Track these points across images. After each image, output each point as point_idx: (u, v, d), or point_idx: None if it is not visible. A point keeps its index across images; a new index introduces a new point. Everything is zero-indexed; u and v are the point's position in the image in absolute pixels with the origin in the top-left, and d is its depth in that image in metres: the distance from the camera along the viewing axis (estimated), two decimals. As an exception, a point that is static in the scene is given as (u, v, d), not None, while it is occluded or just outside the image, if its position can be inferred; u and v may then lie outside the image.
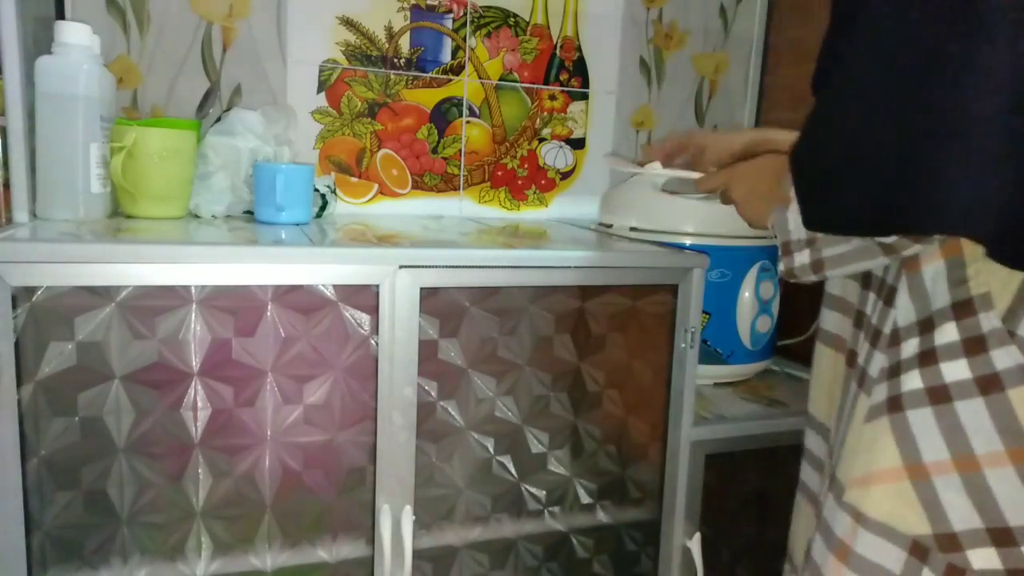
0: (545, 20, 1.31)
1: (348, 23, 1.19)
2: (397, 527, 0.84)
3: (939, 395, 0.56)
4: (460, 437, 0.93)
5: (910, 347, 0.58)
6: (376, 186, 1.25)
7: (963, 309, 0.56)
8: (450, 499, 0.95)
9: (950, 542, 0.55)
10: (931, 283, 0.58)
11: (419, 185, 1.27)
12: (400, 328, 0.81)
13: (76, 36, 0.86)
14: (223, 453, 0.82)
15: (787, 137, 0.98)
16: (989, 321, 0.54)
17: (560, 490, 1.01)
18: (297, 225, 0.96)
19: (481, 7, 1.26)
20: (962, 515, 0.55)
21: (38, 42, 0.88)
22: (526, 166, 1.35)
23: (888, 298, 0.62)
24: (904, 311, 0.59)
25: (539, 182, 1.36)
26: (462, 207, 1.31)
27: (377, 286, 0.80)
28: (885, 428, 0.58)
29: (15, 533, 0.72)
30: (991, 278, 0.55)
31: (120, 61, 1.08)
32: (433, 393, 0.90)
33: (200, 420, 0.80)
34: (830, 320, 0.75)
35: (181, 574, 0.83)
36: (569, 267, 0.87)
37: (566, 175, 1.38)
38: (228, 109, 1.14)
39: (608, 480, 1.03)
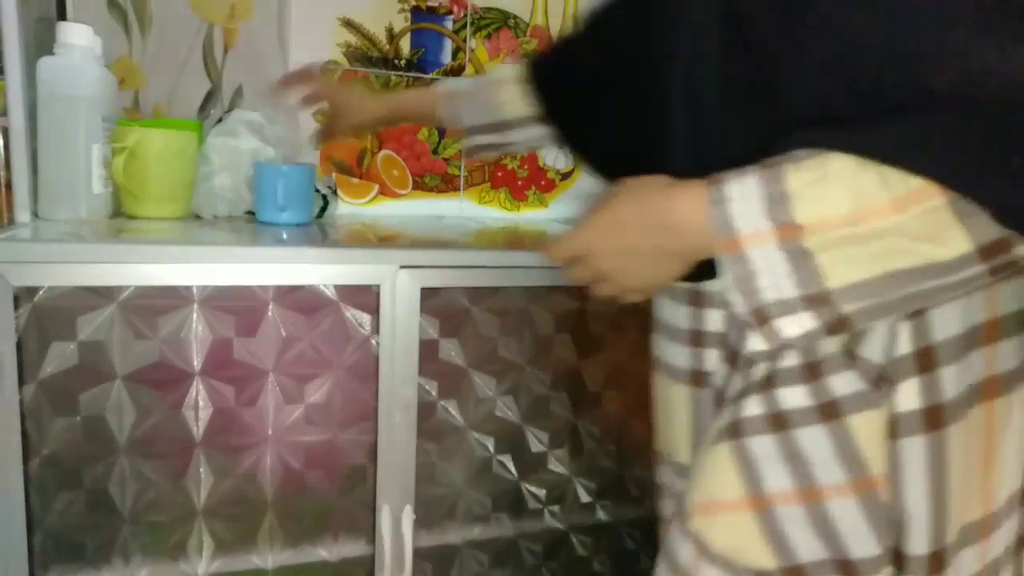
0: (545, 21, 1.32)
1: (349, 24, 1.19)
2: (397, 526, 0.85)
3: (779, 422, 0.52)
4: (460, 436, 0.94)
5: (759, 370, 0.54)
6: (377, 187, 1.25)
7: None
8: (450, 498, 0.95)
9: (797, 575, 0.52)
10: None
11: (419, 186, 1.28)
12: (400, 328, 0.81)
13: (78, 37, 0.86)
14: (224, 452, 0.82)
15: (424, 101, 0.88)
16: (825, 346, 0.50)
17: (560, 489, 1.01)
18: (298, 225, 0.96)
19: (481, 8, 1.27)
20: (805, 548, 0.52)
21: (40, 43, 0.88)
22: (526, 167, 1.35)
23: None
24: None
25: (539, 183, 1.37)
26: (462, 208, 1.31)
27: (378, 286, 0.80)
28: (726, 454, 0.54)
29: (17, 533, 0.72)
30: None
31: (121, 62, 1.08)
32: (433, 392, 0.90)
33: (201, 419, 0.81)
34: (670, 351, 0.65)
35: (183, 573, 0.83)
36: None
37: (566, 176, 1.39)
38: (230, 110, 1.14)
39: (608, 479, 1.04)
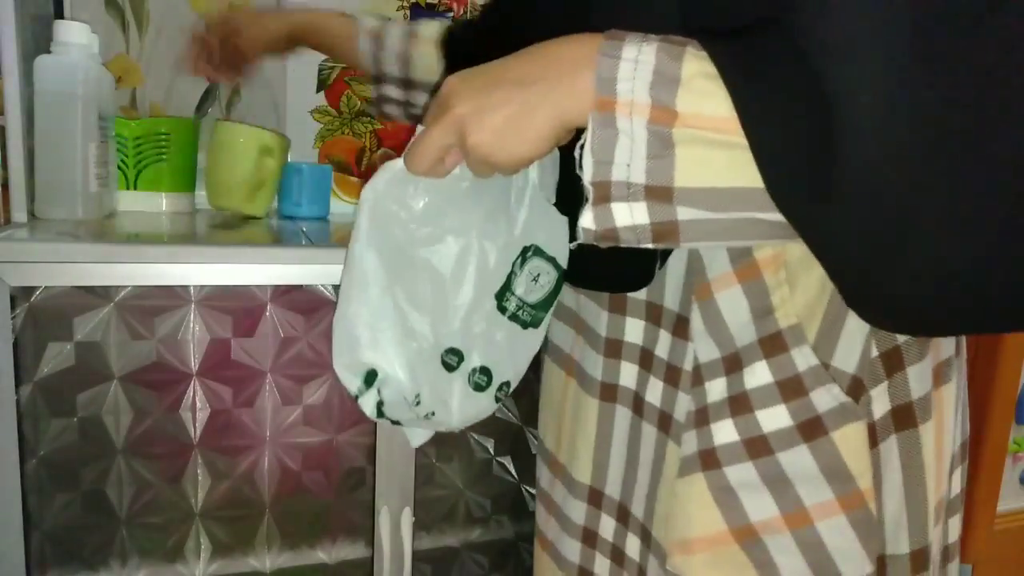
0: (545, 19, 1.31)
1: (348, 22, 1.18)
2: (396, 528, 0.84)
3: (758, 447, 0.48)
4: (460, 438, 0.93)
5: (716, 389, 0.50)
6: (376, 186, 1.24)
7: (773, 344, 0.47)
8: (450, 500, 0.94)
9: None
10: (729, 313, 0.49)
11: (419, 185, 1.27)
12: (400, 329, 0.81)
13: (74, 35, 0.86)
14: (222, 454, 0.82)
15: (341, 29, 0.78)
16: (804, 358, 0.47)
17: (560, 491, 1.01)
18: (317, 219, 1.07)
19: (481, 5, 1.26)
20: (798, 573, 0.49)
21: (37, 41, 0.87)
22: (526, 166, 1.34)
23: (679, 329, 0.52)
24: (704, 346, 0.50)
25: (539, 182, 1.36)
26: (462, 207, 1.31)
27: (377, 286, 0.80)
28: (701, 486, 0.50)
29: (14, 534, 0.72)
30: (797, 306, 0.47)
31: (118, 60, 1.08)
32: (433, 394, 0.90)
33: (199, 421, 0.80)
34: (558, 333, 0.63)
35: (180, 575, 0.83)
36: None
37: (566, 175, 1.38)
38: (228, 108, 1.14)
39: (608, 481, 1.03)
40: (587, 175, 0.40)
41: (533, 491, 0.99)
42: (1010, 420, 1.22)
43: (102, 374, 0.76)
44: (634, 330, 0.56)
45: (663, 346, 0.54)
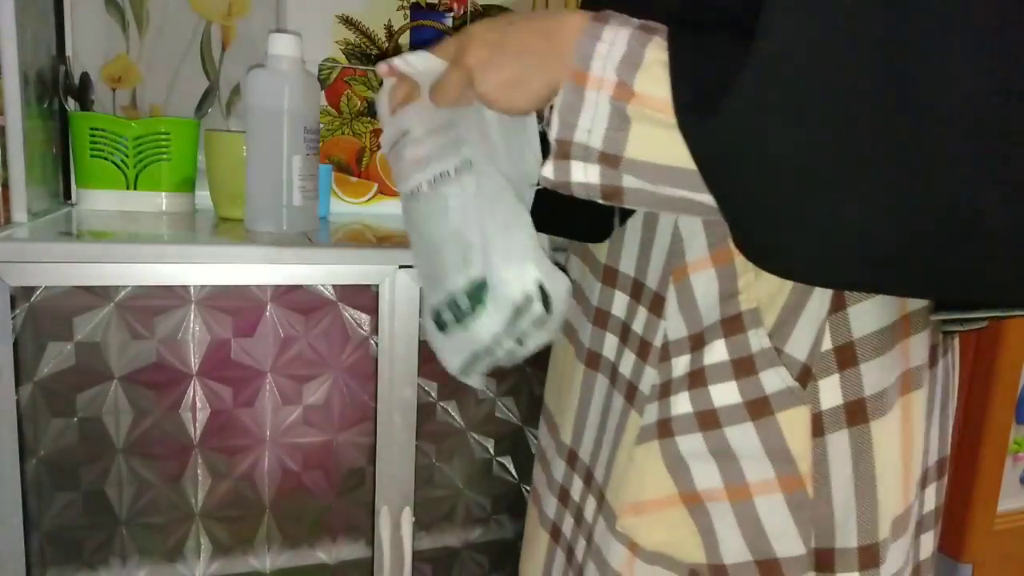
0: (545, 19, 1.31)
1: (347, 22, 1.18)
2: (396, 528, 0.84)
3: (709, 420, 0.51)
4: (460, 438, 0.93)
5: (680, 365, 0.53)
6: (376, 186, 1.24)
7: (732, 325, 0.51)
8: (450, 500, 0.94)
9: (720, 575, 0.52)
10: (701, 294, 0.52)
11: (419, 185, 1.27)
12: (400, 328, 0.81)
13: (285, 47, 0.84)
14: (222, 454, 0.82)
15: None
16: (758, 339, 0.50)
17: (560, 491, 1.01)
18: (318, 218, 1.04)
19: (481, 5, 1.26)
20: (732, 548, 0.52)
21: (36, 40, 0.87)
22: (526, 166, 1.34)
23: (655, 307, 0.55)
24: (674, 324, 0.53)
25: (539, 182, 1.36)
26: (462, 207, 1.31)
27: (377, 286, 0.80)
28: (655, 453, 0.53)
29: (14, 534, 0.72)
30: (759, 292, 0.50)
31: (119, 60, 1.08)
32: (433, 393, 0.90)
33: (199, 421, 0.80)
34: (580, 326, 0.66)
35: (180, 575, 0.83)
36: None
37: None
38: (228, 108, 1.14)
39: (608, 481, 1.03)
40: (553, 132, 0.46)
41: (533, 491, 1.00)
42: (1010, 420, 1.22)
43: (102, 374, 0.76)
44: (619, 304, 0.60)
45: (639, 321, 0.57)
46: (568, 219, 0.62)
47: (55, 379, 0.74)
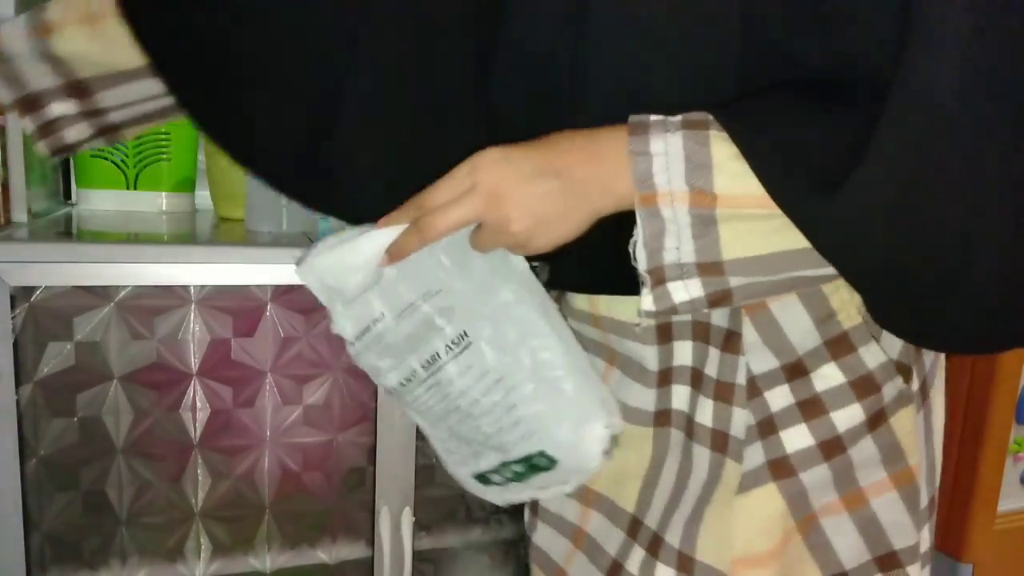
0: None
1: (348, 22, 1.18)
2: (397, 528, 0.84)
3: (833, 448, 0.50)
4: (460, 438, 0.93)
5: (778, 398, 0.50)
6: (376, 186, 1.24)
7: (839, 347, 0.49)
8: (450, 500, 0.94)
9: None
10: (789, 322, 0.50)
11: (419, 185, 1.27)
12: (400, 328, 0.81)
13: None
14: (222, 454, 0.82)
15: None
16: (873, 355, 0.49)
17: (560, 491, 1.01)
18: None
19: None
20: (851, 554, 0.51)
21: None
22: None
23: (728, 345, 0.51)
24: (758, 357, 0.50)
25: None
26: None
27: (377, 286, 0.80)
28: (772, 496, 0.50)
29: (14, 534, 0.72)
30: (859, 306, 0.49)
31: (119, 60, 1.07)
32: (433, 394, 0.90)
33: (199, 421, 0.80)
34: (632, 393, 0.58)
35: (180, 575, 0.83)
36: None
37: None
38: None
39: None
40: (642, 264, 0.44)
41: (533, 491, 0.99)
42: (1010, 420, 1.22)
43: (102, 374, 0.76)
44: (683, 352, 0.55)
45: (712, 364, 0.53)
46: (594, 272, 0.56)
47: (55, 379, 0.74)
